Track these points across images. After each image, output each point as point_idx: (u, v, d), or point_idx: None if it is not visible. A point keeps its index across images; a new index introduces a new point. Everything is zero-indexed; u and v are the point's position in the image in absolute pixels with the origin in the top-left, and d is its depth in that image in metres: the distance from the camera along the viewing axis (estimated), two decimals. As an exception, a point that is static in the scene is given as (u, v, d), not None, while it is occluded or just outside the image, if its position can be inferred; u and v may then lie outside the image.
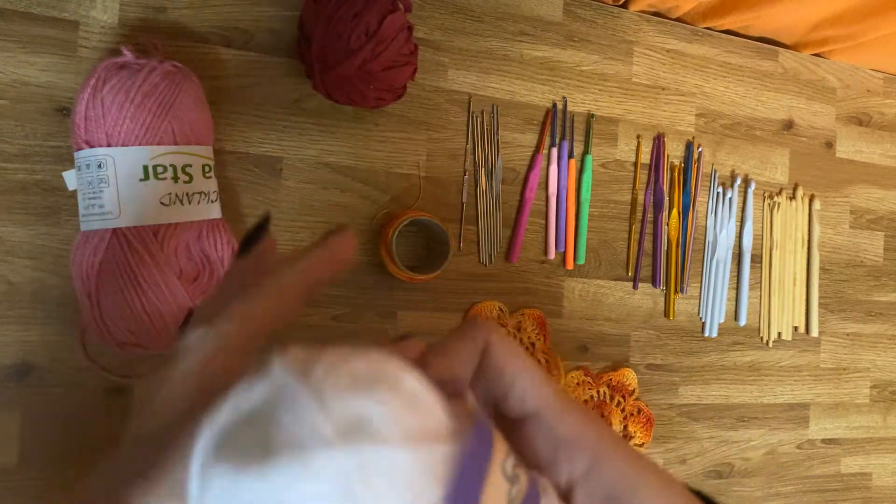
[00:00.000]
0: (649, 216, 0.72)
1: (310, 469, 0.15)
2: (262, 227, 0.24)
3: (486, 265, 0.66)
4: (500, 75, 0.66)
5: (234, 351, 0.20)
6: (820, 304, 0.79)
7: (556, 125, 0.68)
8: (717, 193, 0.74)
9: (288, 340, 0.17)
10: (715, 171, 0.75)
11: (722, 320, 0.75)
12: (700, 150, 0.74)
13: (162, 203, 0.48)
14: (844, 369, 0.80)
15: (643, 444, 0.71)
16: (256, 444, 0.15)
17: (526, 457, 0.21)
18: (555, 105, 0.68)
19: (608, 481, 0.20)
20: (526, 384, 0.21)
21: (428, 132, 0.64)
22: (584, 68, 0.70)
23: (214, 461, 0.15)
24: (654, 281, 0.72)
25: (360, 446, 0.15)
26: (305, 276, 0.22)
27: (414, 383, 0.16)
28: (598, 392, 0.69)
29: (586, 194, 0.69)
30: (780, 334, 0.77)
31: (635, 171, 0.72)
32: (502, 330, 0.23)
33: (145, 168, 0.47)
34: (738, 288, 0.76)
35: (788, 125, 0.79)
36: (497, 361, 0.21)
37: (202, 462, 0.15)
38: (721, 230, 0.74)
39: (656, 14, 0.74)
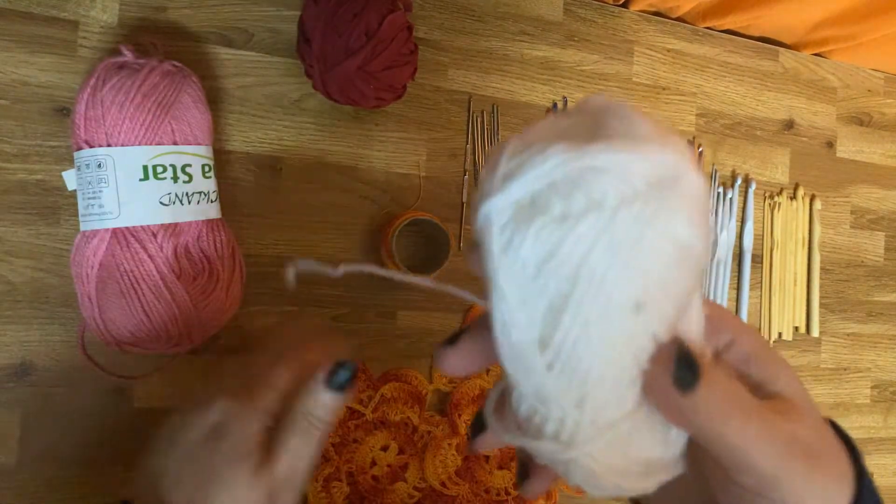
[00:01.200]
0: (649, 216, 0.72)
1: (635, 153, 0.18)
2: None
3: (486, 265, 0.65)
4: (501, 75, 0.66)
5: None
6: (820, 304, 0.79)
7: (556, 125, 0.68)
8: (718, 193, 0.74)
9: None
10: (715, 171, 0.75)
11: (722, 320, 0.74)
12: (700, 149, 0.74)
13: (162, 203, 0.48)
14: (845, 369, 0.80)
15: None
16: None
17: None
18: (555, 105, 0.68)
19: (746, 350, 0.25)
20: None
21: (428, 132, 0.64)
22: (584, 68, 0.69)
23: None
24: (654, 281, 0.72)
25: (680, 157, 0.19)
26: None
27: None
28: (598, 392, 0.69)
29: (586, 194, 0.69)
30: (780, 334, 0.77)
31: (635, 171, 0.71)
32: None
33: (145, 168, 0.47)
34: (738, 288, 0.76)
35: (789, 125, 0.79)
36: None
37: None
38: (722, 230, 0.74)
39: (657, 14, 0.74)
